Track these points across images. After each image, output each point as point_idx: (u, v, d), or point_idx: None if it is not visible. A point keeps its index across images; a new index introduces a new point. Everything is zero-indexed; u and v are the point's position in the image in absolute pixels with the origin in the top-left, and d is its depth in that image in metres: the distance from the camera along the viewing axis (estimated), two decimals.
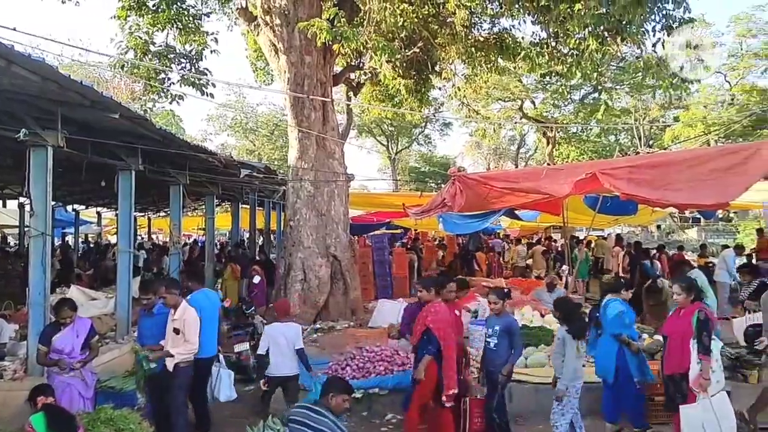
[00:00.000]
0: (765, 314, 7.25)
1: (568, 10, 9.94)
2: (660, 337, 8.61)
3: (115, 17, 12.51)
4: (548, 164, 30.54)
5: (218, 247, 22.16)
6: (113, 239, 25.18)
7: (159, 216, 27.28)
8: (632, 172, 7.06)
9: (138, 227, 28.92)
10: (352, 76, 15.04)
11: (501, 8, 11.67)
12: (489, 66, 13.52)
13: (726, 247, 18.24)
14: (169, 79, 13.03)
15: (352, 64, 13.97)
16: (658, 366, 6.53)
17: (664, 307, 10.20)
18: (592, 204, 12.08)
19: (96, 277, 15.58)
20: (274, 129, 39.62)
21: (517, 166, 47.76)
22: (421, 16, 11.64)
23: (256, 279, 10.80)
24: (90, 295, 10.88)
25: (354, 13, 11.50)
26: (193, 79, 12.20)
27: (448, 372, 5.84)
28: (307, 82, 11.58)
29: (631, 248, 15.64)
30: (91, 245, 26.87)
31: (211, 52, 13.29)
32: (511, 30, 12.91)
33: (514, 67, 14.62)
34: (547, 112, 35.05)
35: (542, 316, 10.49)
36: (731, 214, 33.30)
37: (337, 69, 13.87)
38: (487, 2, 12.03)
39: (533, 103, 35.37)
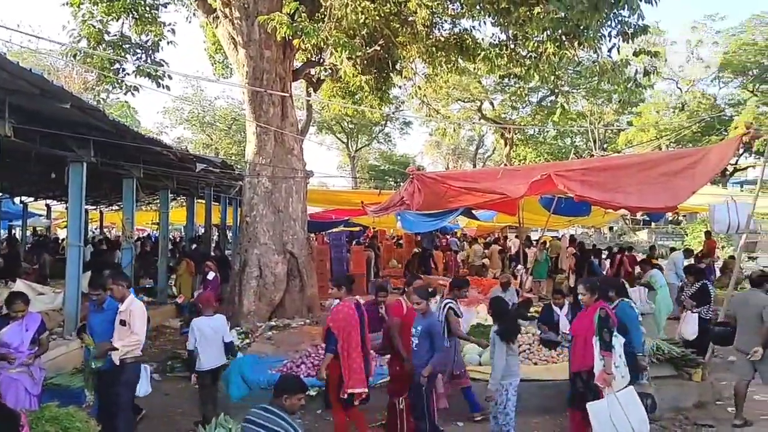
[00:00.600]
0: (739, 314, 7.31)
1: (528, 13, 10.08)
2: None
3: (67, 4, 12.13)
4: (506, 165, 30.95)
5: (172, 242, 21.79)
6: (63, 233, 24.52)
7: (112, 210, 26.64)
8: (585, 175, 7.22)
9: (90, 221, 28.20)
10: (312, 71, 14.95)
11: (462, 9, 11.74)
12: (449, 66, 13.61)
13: (674, 249, 18.82)
14: (123, 69, 12.70)
15: (313, 59, 13.87)
16: None
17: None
18: (547, 205, 12.31)
19: (41, 271, 15.12)
20: (232, 123, 39.10)
21: (475, 166, 48.28)
22: (382, 14, 11.63)
23: (210, 275, 10.64)
24: (37, 289, 10.57)
25: (315, 8, 11.42)
26: (148, 70, 11.93)
27: (346, 371, 5.86)
28: (266, 76, 11.45)
29: (577, 249, 15.99)
30: (40, 238, 26.05)
31: (168, 43, 13.00)
32: (471, 31, 13.04)
33: (474, 68, 14.74)
34: (505, 113, 35.50)
35: None
36: (680, 217, 34.35)
37: (297, 64, 13.75)
38: (448, 2, 12.11)
39: (492, 104, 35.76)
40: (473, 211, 16.65)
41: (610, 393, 5.58)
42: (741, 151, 27.40)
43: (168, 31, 12.97)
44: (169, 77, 12.07)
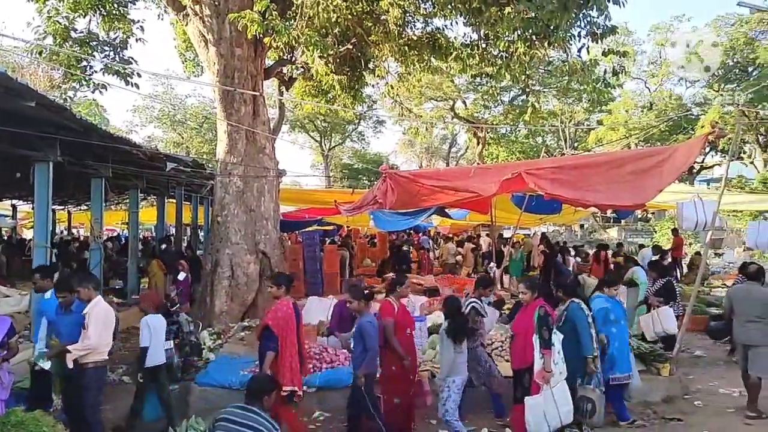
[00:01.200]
0: (740, 308, 7.38)
1: (499, 13, 10.15)
2: None
3: (32, 0, 11.89)
4: (478, 163, 31.17)
5: (142, 242, 21.48)
6: (30, 234, 24.01)
7: (80, 210, 26.19)
8: (555, 173, 7.30)
9: (57, 221, 27.68)
10: (284, 70, 14.85)
11: (434, 8, 11.77)
12: (422, 65, 13.63)
13: (643, 246, 19.16)
14: (91, 67, 12.47)
15: (284, 58, 13.78)
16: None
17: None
18: (518, 203, 12.44)
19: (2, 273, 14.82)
20: (203, 122, 38.72)
21: (448, 165, 48.58)
22: (354, 13, 11.60)
23: (181, 275, 10.51)
24: (2, 292, 10.35)
25: (287, 6, 11.34)
26: (117, 68, 11.74)
27: (281, 369, 5.88)
28: (237, 74, 11.35)
29: (545, 247, 16.17)
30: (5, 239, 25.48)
31: (137, 40, 12.81)
32: (443, 30, 13.07)
33: (446, 67, 14.79)
34: (477, 112, 35.75)
35: None
36: (649, 215, 34.96)
37: (269, 62, 13.65)
38: (421, 2, 12.13)
39: (464, 103, 35.99)
40: (446, 210, 16.73)
41: (548, 389, 5.72)
42: (707, 149, 28.02)
43: (137, 28, 12.78)
44: (139, 75, 11.88)
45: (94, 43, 12.36)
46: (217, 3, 11.08)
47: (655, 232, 31.36)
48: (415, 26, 13.28)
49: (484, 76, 13.35)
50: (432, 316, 10.56)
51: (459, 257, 20.48)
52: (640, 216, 35.35)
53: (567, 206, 12.44)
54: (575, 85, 23.34)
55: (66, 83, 16.73)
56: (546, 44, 10.79)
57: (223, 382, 7.57)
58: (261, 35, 9.75)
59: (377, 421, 5.95)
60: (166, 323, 6.91)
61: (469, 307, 6.95)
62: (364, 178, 41.91)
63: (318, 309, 10.66)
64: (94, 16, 12.11)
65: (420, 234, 27.29)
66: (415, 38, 13.00)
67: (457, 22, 12.20)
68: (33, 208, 9.93)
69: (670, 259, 15.28)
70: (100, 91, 12.37)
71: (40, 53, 12.11)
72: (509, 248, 16.53)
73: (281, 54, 13.54)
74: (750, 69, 32.28)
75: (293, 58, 13.86)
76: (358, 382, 5.99)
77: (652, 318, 9.14)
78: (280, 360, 5.90)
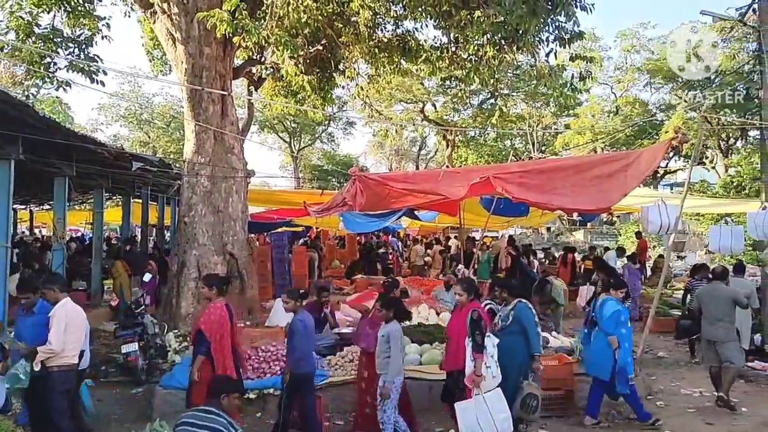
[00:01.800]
0: (707, 306, 7.86)
1: (468, 16, 10.21)
2: (546, 334, 9.11)
3: None
4: (447, 166, 31.36)
5: (107, 242, 21.11)
6: None
7: (42, 209, 25.61)
8: (523, 177, 7.38)
9: (19, 221, 27.03)
10: (254, 70, 14.74)
11: (404, 11, 11.80)
12: (392, 67, 13.65)
13: (608, 249, 19.49)
14: (55, 64, 12.20)
15: (254, 57, 13.68)
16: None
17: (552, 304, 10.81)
18: (487, 205, 12.52)
19: None
20: (171, 121, 38.15)
21: (418, 167, 48.74)
22: (325, 14, 11.56)
23: (146, 277, 10.35)
24: None
25: (256, 5, 11.26)
26: (81, 66, 11.51)
27: (214, 372, 5.84)
28: (205, 74, 11.22)
29: (512, 249, 16.34)
30: None
31: (103, 38, 12.58)
32: (414, 33, 13.11)
33: (416, 70, 14.85)
34: (447, 115, 35.96)
35: (438, 314, 10.75)
36: (614, 218, 35.59)
37: (238, 62, 13.53)
38: (391, 4, 12.14)
39: (434, 106, 36.15)
40: (415, 212, 16.78)
41: (479, 393, 5.68)
42: (671, 154, 28.63)
43: (103, 25, 12.55)
44: (104, 73, 11.65)
45: (59, 39, 12.10)
46: (185, 1, 10.95)
47: (620, 235, 31.93)
48: (385, 28, 13.29)
49: (453, 79, 13.45)
50: None
51: (428, 258, 20.57)
52: (605, 219, 35.97)
53: (534, 209, 12.57)
54: (543, 90, 23.69)
55: (28, 80, 16.33)
56: (515, 48, 10.90)
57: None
58: (230, 34, 9.66)
59: (310, 419, 6.07)
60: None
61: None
62: (334, 179, 41.77)
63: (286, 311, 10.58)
64: (58, 11, 11.86)
65: (389, 236, 27.34)
66: (385, 40, 13.01)
67: (427, 25, 12.25)
68: None
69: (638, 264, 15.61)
70: (64, 89, 12.14)
71: (2, 49, 11.85)
72: (477, 250, 16.65)
73: (250, 54, 13.44)
74: (712, 76, 33.05)
75: (263, 58, 13.77)
76: (284, 379, 6.11)
77: None
78: (215, 363, 5.87)
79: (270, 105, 21.32)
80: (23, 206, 24.52)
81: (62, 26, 12.15)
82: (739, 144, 35.32)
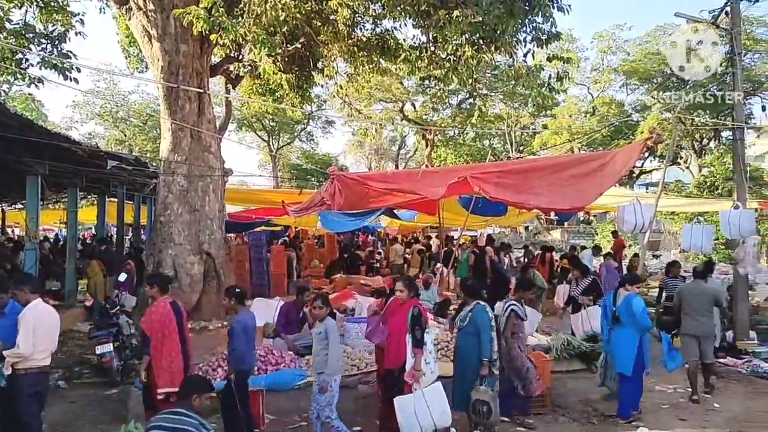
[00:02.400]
0: (688, 303, 8.15)
1: (447, 16, 10.26)
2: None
3: None
4: (427, 165, 31.45)
5: (81, 242, 20.83)
6: None
7: (15, 209, 25.17)
8: (500, 177, 7.41)
9: None
10: (231, 68, 14.64)
11: (383, 10, 11.81)
12: (371, 66, 13.66)
13: (584, 248, 19.69)
14: (27, 60, 12.00)
15: (231, 55, 13.59)
16: None
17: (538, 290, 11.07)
18: (466, 204, 12.59)
19: None
20: (147, 119, 37.72)
21: (397, 167, 48.79)
22: (303, 12, 11.53)
23: (122, 277, 10.22)
24: None
25: (234, 3, 11.19)
26: (54, 62, 11.32)
27: (158, 371, 5.84)
28: (182, 71, 11.13)
29: (475, 247, 16.46)
30: None
31: (77, 34, 12.39)
32: (393, 32, 13.13)
33: (396, 69, 14.88)
34: (426, 114, 36.02)
35: None
36: (591, 217, 35.98)
37: (215, 60, 13.44)
38: (370, 3, 12.14)
39: (414, 105, 36.20)
40: (395, 211, 16.80)
41: (418, 388, 5.73)
42: (646, 154, 28.99)
43: (77, 21, 12.36)
44: (78, 70, 11.48)
45: (31, 35, 11.90)
46: None
47: (597, 234, 32.27)
48: (364, 27, 13.30)
49: (432, 78, 13.50)
50: None
51: (408, 256, 20.61)
52: (582, 218, 36.35)
53: (512, 209, 12.66)
54: (521, 90, 23.83)
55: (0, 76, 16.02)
56: (493, 48, 10.98)
57: None
58: (207, 32, 9.59)
59: (246, 412, 6.06)
60: None
61: (508, 310, 6.89)
62: (313, 178, 41.63)
63: (264, 310, 10.51)
64: (30, 7, 11.66)
65: (368, 235, 27.33)
66: (364, 39, 13.01)
67: (406, 25, 12.29)
68: None
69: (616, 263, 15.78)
70: (36, 86, 11.93)
71: None
72: (457, 249, 16.72)
73: (228, 51, 13.35)
74: (687, 78, 33.57)
75: (240, 56, 13.69)
76: (228, 377, 6.16)
77: (582, 317, 9.42)
78: (156, 362, 5.83)
79: (248, 103, 21.20)
80: None
81: (35, 22, 11.95)
82: (712, 144, 35.94)
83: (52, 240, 25.45)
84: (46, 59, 11.46)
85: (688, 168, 36.26)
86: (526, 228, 37.59)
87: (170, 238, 11.12)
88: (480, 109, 24.54)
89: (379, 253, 22.53)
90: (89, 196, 21.28)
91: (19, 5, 11.46)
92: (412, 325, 5.82)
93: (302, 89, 14.53)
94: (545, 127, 36.94)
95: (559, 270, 16.74)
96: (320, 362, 5.98)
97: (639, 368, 7.05)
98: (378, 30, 13.25)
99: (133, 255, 14.42)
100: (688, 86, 32.22)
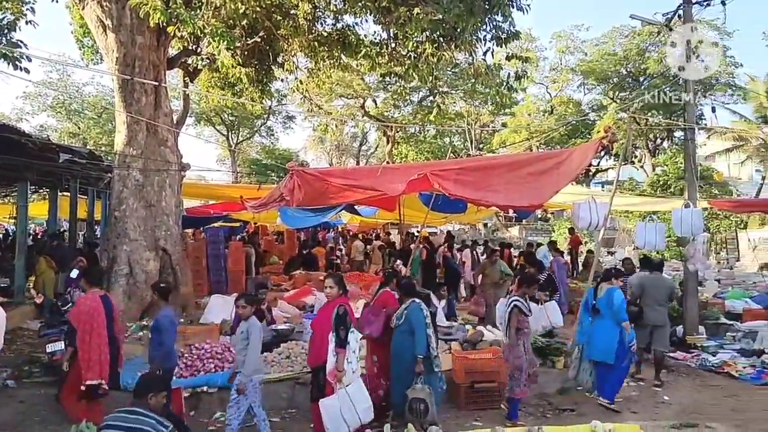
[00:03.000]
0: (649, 295, 8.68)
1: (408, 13, 10.26)
2: (481, 327, 9.28)
3: None
4: (388, 162, 31.50)
5: (32, 237, 20.23)
6: None
7: None
8: (459, 174, 7.49)
9: None
10: (189, 60, 14.37)
11: (344, 5, 11.75)
12: (332, 61, 13.57)
13: (541, 245, 20.01)
14: None
15: (189, 48, 13.34)
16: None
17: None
18: (426, 201, 12.65)
19: None
20: (102, 112, 36.78)
21: (359, 163, 48.76)
22: (263, 6, 11.38)
23: (74, 273, 9.94)
24: None
25: None
26: (4, 51, 10.92)
27: (85, 363, 5.82)
28: (137, 63, 10.86)
29: (426, 243, 16.61)
30: None
31: (27, 23, 11.97)
32: (354, 28, 13.06)
33: (356, 65, 14.82)
34: (387, 111, 36.07)
35: None
36: (548, 215, 36.60)
37: (173, 52, 13.16)
38: None
39: (375, 102, 36.20)
40: (355, 207, 16.77)
41: (341, 388, 5.73)
42: (602, 153, 29.64)
43: (27, 9, 11.94)
44: (29, 59, 11.11)
45: None
46: None
47: (554, 231, 32.84)
48: (325, 22, 13.20)
49: (393, 75, 13.46)
50: None
51: (370, 253, 20.61)
52: (540, 216, 36.95)
53: (471, 205, 12.78)
54: (480, 88, 24.03)
55: None
56: (453, 46, 11.02)
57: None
58: (164, 24, 9.37)
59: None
60: None
61: (512, 306, 6.89)
62: (273, 174, 41.26)
63: (221, 307, 10.39)
64: None
65: (326, 232, 27.24)
66: (325, 34, 12.93)
67: (366, 20, 12.25)
68: None
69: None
70: None
71: None
72: (415, 246, 16.78)
73: (186, 44, 13.11)
74: (641, 79, 34.46)
75: (199, 49, 13.45)
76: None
77: (539, 312, 9.59)
78: (83, 354, 5.80)
79: (206, 97, 20.87)
80: None
81: None
82: (665, 144, 36.94)
83: (1, 235, 24.67)
84: None
85: (642, 167, 37.18)
86: (485, 225, 38.02)
87: (125, 233, 10.87)
88: (439, 106, 24.68)
89: (340, 250, 22.45)
90: (40, 190, 20.64)
91: None
92: (336, 325, 5.76)
93: (262, 84, 14.35)
94: (504, 125, 37.40)
95: (518, 267, 16.99)
96: (240, 362, 5.92)
97: (620, 357, 7.46)
98: (339, 25, 13.17)
99: (87, 251, 14.08)
100: (642, 87, 33.09)
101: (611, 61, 34.88)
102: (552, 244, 16.85)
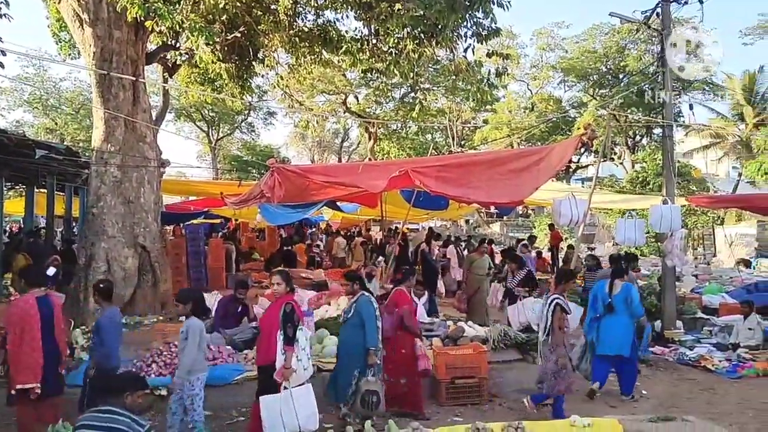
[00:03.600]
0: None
1: (389, 9, 10.26)
2: (462, 323, 9.31)
3: None
4: (370, 158, 31.48)
5: (8, 234, 19.91)
6: None
7: None
8: (440, 171, 7.50)
9: None
10: (168, 55, 14.23)
11: (325, 1, 11.71)
12: (313, 57, 13.51)
13: (520, 241, 20.14)
14: None
15: (168, 43, 13.20)
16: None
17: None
18: (408, 197, 12.66)
19: None
20: (80, 107, 36.28)
21: (340, 160, 48.70)
22: (243, 0, 11.30)
23: (51, 271, 9.79)
24: None
25: None
26: None
27: (14, 366, 5.63)
28: (115, 58, 10.73)
29: (401, 239, 16.68)
30: None
31: (2, 16, 11.76)
32: (335, 23, 13.01)
33: (338, 61, 14.77)
34: (369, 107, 36.04)
35: None
36: (529, 211, 36.84)
37: (152, 47, 13.02)
38: None
39: (357, 98, 36.14)
40: (337, 203, 16.73)
41: (288, 387, 5.59)
42: (582, 150, 29.87)
43: (2, 2, 11.73)
44: (3, 54, 10.92)
45: None
46: None
47: (534, 227, 33.06)
48: (306, 18, 13.13)
49: (374, 71, 13.44)
50: (320, 311, 10.59)
51: (352, 249, 20.58)
52: (521, 212, 37.17)
53: (453, 202, 12.82)
54: (462, 85, 24.07)
55: None
56: (434, 43, 11.03)
57: None
58: (142, 18, 9.27)
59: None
60: None
61: (552, 304, 6.78)
62: (254, 170, 41.01)
63: None
64: None
65: (307, 228, 27.13)
66: (306, 30, 12.86)
67: (348, 16, 12.21)
68: None
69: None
70: None
71: None
72: (390, 243, 16.80)
73: (165, 39, 12.97)
74: (621, 76, 34.79)
75: (178, 44, 13.31)
76: (88, 372, 6.00)
77: (518, 308, 9.65)
78: (14, 357, 5.59)
79: (186, 93, 20.68)
80: None
81: None
82: (644, 141, 37.32)
83: None
84: None
85: (621, 164, 37.55)
86: (467, 221, 38.16)
87: (103, 230, 10.74)
88: (420, 102, 24.70)
89: (317, 246, 22.36)
90: (17, 187, 20.34)
91: None
92: (283, 322, 5.66)
93: (242, 79, 14.24)
94: (486, 122, 37.52)
95: (500, 262, 17.09)
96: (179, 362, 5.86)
97: (634, 351, 7.82)
98: (320, 21, 13.10)
99: (64, 248, 13.89)
100: (621, 84, 33.39)
101: (591, 58, 35.17)
102: (532, 239, 16.97)
